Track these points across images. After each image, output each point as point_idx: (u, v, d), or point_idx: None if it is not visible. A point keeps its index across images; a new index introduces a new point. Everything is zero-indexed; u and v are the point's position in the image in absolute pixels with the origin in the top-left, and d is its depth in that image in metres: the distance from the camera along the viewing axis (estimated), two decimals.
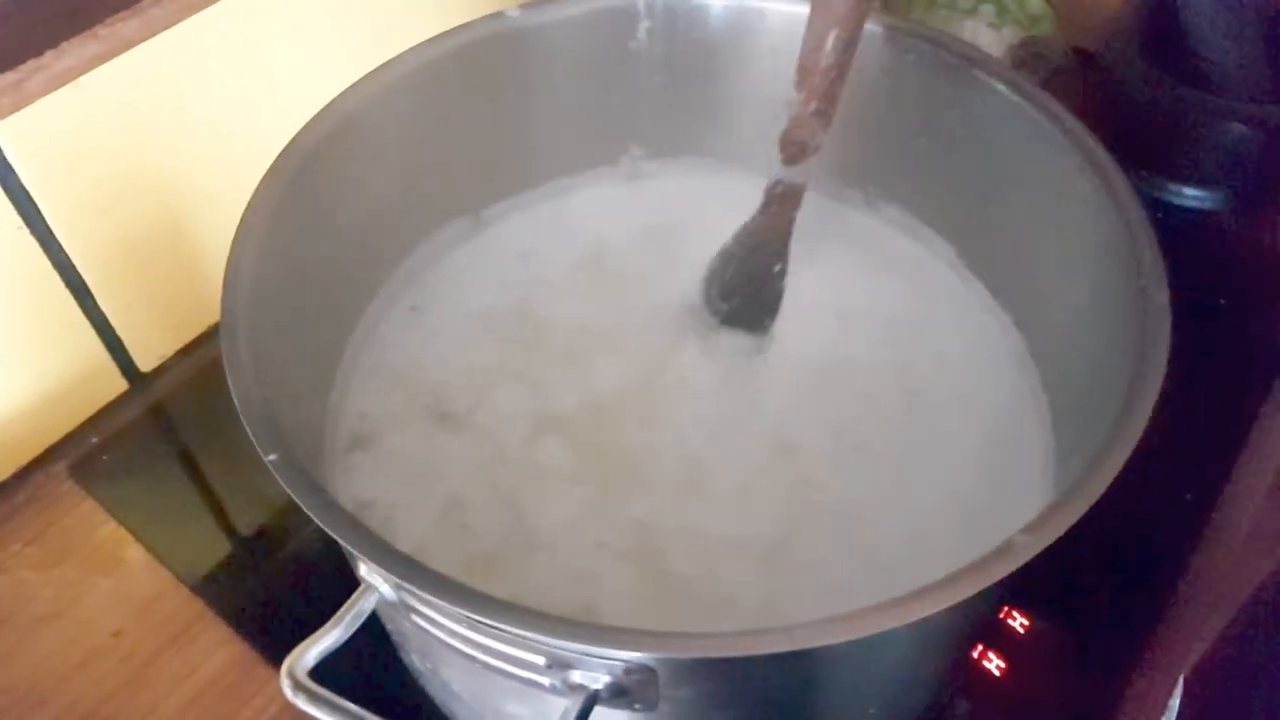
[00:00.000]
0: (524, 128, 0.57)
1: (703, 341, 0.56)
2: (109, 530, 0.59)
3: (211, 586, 0.56)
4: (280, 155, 0.45)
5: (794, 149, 0.51)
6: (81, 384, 0.63)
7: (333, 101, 0.48)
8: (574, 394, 0.53)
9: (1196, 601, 0.55)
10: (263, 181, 0.45)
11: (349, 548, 0.35)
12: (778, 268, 0.55)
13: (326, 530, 0.35)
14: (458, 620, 0.36)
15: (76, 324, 0.60)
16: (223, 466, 0.61)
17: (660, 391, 0.54)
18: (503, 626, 0.33)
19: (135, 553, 0.58)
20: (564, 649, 0.34)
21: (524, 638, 0.34)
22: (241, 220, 0.43)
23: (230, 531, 0.60)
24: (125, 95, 0.56)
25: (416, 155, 0.53)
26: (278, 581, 0.57)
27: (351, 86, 0.48)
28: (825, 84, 0.49)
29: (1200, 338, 0.65)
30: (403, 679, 0.49)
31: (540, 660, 0.35)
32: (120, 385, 0.65)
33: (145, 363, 0.65)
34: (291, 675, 0.35)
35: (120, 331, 0.63)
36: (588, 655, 0.34)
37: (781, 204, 0.54)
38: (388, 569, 0.34)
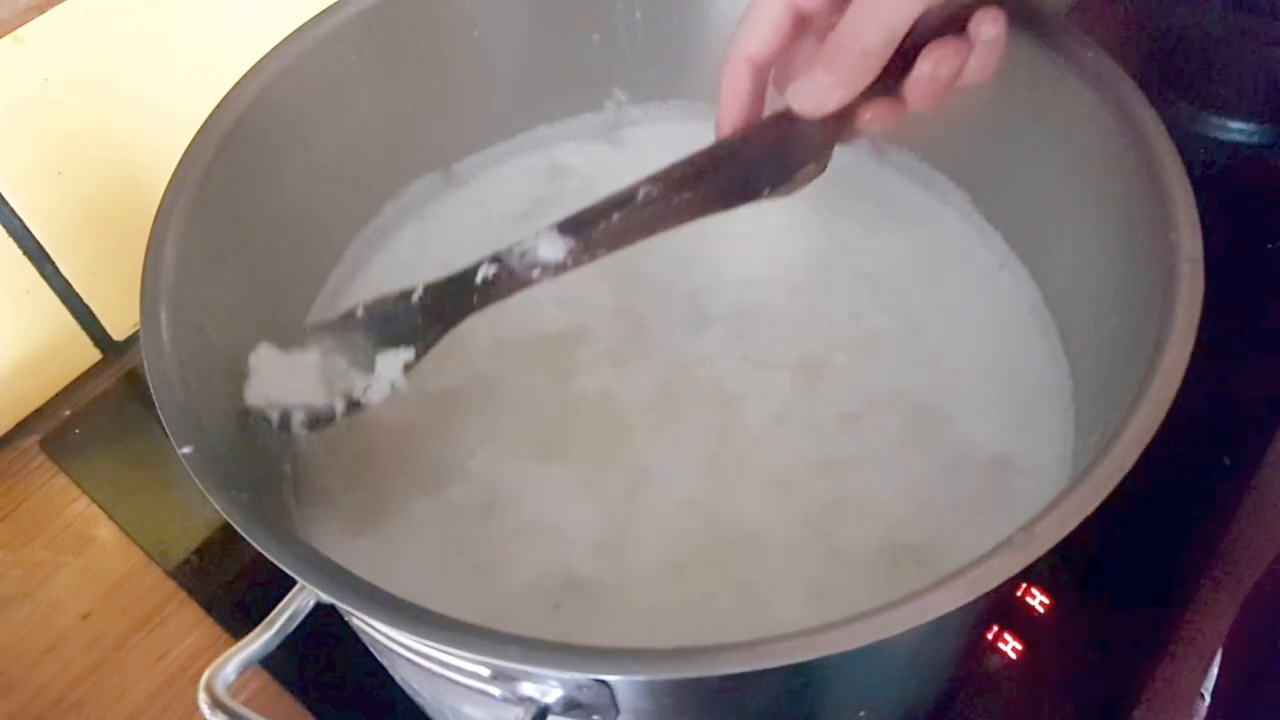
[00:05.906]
0: (494, 71, 0.52)
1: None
2: (80, 507, 0.57)
3: (185, 566, 0.55)
4: (210, 116, 0.42)
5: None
6: (51, 355, 0.61)
7: (269, 54, 0.44)
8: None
9: (1234, 574, 0.52)
10: (190, 146, 0.41)
11: (266, 553, 0.32)
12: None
13: (244, 535, 0.32)
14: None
15: (38, 291, 0.58)
16: None
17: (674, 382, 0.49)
18: (436, 645, 0.30)
19: (107, 531, 0.56)
20: (505, 667, 0.31)
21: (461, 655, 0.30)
22: (164, 192, 0.40)
23: (206, 508, 0.57)
24: (71, 51, 0.53)
25: (373, 106, 0.49)
26: (253, 562, 0.54)
27: (289, 36, 0.44)
28: None
29: (1242, 285, 0.60)
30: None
31: (485, 671, 0.32)
32: (93, 355, 0.63)
33: (118, 331, 0.63)
34: (209, 691, 0.32)
35: (88, 299, 0.60)
36: (530, 672, 0.31)
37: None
38: (309, 579, 0.31)
